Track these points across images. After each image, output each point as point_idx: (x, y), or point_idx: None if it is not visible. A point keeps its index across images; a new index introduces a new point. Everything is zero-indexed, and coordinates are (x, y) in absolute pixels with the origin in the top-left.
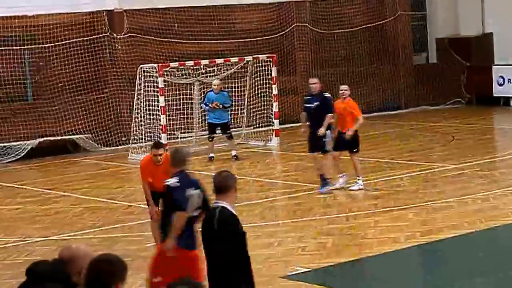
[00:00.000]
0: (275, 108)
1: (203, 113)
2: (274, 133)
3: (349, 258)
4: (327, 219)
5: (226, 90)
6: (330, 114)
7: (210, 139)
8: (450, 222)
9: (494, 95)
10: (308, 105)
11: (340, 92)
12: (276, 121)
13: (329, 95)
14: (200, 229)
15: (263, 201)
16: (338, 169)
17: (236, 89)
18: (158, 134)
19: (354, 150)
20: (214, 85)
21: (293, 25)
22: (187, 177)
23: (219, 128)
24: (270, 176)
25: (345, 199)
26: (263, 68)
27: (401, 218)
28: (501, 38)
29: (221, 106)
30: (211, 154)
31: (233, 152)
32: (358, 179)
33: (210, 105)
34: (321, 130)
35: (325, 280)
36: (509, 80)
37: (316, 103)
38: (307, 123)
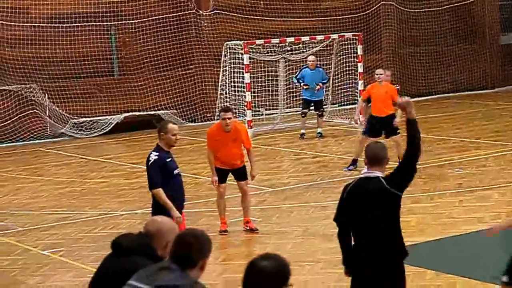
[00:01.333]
0: (361, 86)
1: (288, 90)
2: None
3: (433, 238)
4: (410, 198)
5: (321, 66)
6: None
7: (303, 115)
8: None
9: None
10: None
11: (376, 76)
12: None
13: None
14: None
15: (346, 178)
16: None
17: (322, 67)
18: (243, 111)
19: (398, 132)
20: (310, 61)
21: (379, 3)
22: None
23: (312, 105)
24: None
25: (429, 179)
26: (349, 46)
27: (486, 198)
28: None
29: (320, 86)
30: (303, 131)
31: (318, 130)
32: None
33: (313, 88)
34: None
35: (409, 259)
36: None
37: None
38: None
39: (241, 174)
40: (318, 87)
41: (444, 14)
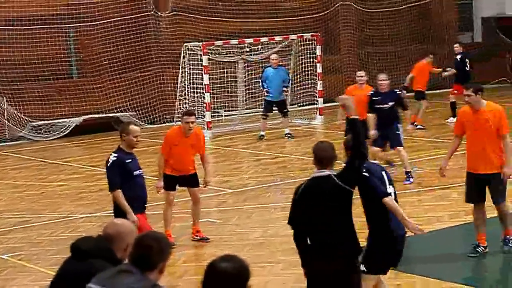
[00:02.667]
0: (319, 87)
1: (247, 91)
2: (318, 111)
3: None
4: None
5: (282, 64)
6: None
7: (264, 117)
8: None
9: None
10: (381, 106)
11: (357, 78)
12: (320, 100)
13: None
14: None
15: (306, 179)
16: None
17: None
18: (202, 112)
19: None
20: (272, 60)
21: (338, 4)
22: None
23: (275, 106)
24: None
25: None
26: (308, 46)
27: (445, 197)
28: None
29: (286, 91)
30: (262, 133)
31: (286, 130)
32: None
33: (279, 93)
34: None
35: None
36: None
37: (391, 103)
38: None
39: (193, 181)
40: (285, 93)
41: (402, 14)
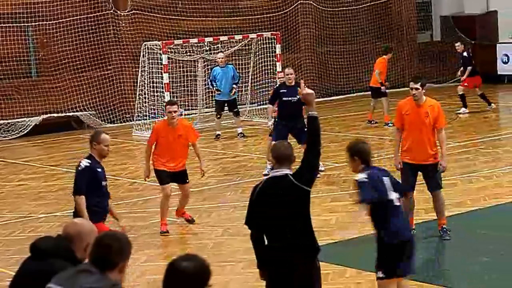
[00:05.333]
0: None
1: (207, 90)
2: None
3: (353, 236)
4: (330, 196)
5: (230, 63)
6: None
7: (218, 117)
8: (454, 199)
9: (499, 73)
10: (288, 98)
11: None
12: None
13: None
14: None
15: (264, 178)
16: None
17: (240, 67)
18: (162, 111)
19: None
20: (219, 59)
21: (297, 2)
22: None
23: (226, 105)
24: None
25: (350, 177)
26: (267, 45)
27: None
28: (505, 16)
29: (235, 88)
30: (218, 132)
31: (239, 130)
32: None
33: (228, 93)
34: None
35: (329, 257)
36: (511, 58)
37: (298, 96)
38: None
39: (183, 177)
40: (234, 90)
41: (362, 13)
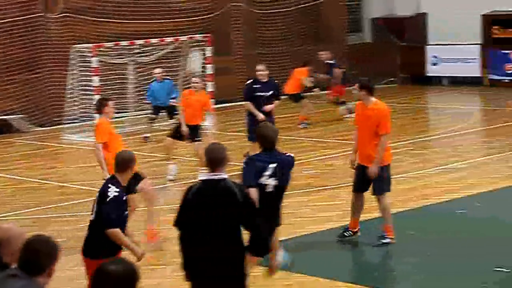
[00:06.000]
0: (210, 88)
1: (138, 93)
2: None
3: (282, 238)
4: None
5: (167, 78)
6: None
7: (150, 121)
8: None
9: (428, 74)
10: (261, 93)
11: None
12: (211, 101)
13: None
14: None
15: (197, 181)
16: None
17: (171, 69)
18: (91, 114)
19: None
20: (156, 74)
21: (228, 5)
22: None
23: (164, 111)
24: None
25: None
26: (199, 48)
27: (334, 197)
28: (435, 18)
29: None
30: (148, 134)
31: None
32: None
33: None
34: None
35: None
36: (442, 60)
37: (271, 92)
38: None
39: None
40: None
41: (293, 15)
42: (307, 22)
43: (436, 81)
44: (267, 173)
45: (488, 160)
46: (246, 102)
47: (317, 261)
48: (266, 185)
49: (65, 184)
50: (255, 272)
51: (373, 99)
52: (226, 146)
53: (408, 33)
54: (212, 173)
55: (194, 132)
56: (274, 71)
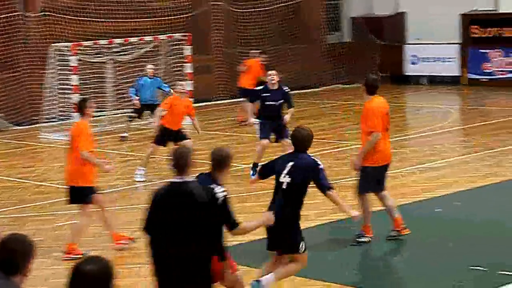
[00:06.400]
0: (189, 87)
1: (116, 92)
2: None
3: (258, 237)
4: (238, 198)
5: (159, 76)
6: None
7: (131, 119)
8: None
9: (407, 73)
10: (272, 103)
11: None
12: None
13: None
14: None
15: (163, 184)
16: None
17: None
18: (70, 113)
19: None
20: (149, 69)
21: (208, 4)
22: None
23: (147, 108)
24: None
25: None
26: (178, 47)
27: (312, 196)
28: (414, 17)
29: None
30: (126, 134)
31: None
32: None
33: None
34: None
35: (235, 258)
36: (421, 59)
37: (280, 101)
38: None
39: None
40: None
41: (272, 14)
42: (286, 21)
43: (415, 80)
44: (285, 171)
45: (465, 159)
46: (250, 103)
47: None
48: (282, 182)
49: (43, 183)
50: None
51: (370, 97)
52: (192, 150)
53: (387, 32)
54: (177, 177)
55: (178, 135)
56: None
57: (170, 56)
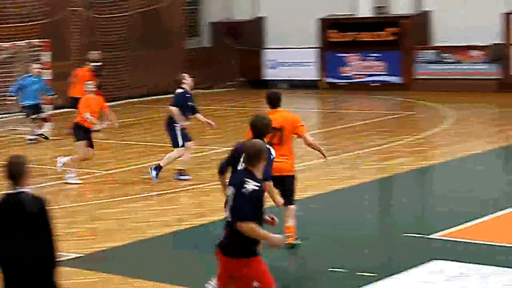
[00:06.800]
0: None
1: None
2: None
3: (120, 243)
4: (98, 204)
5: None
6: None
7: (35, 120)
8: (222, 204)
9: (265, 78)
10: (192, 103)
11: (90, 87)
12: (48, 107)
13: None
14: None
15: (34, 187)
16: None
17: (9, 75)
18: None
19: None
20: (35, 69)
21: (66, 10)
22: None
23: (27, 110)
24: (43, 162)
25: (118, 184)
26: (37, 53)
27: (173, 201)
28: (273, 22)
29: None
30: (32, 136)
31: (39, 131)
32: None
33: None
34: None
35: (97, 265)
36: (280, 63)
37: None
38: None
39: None
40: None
41: (132, 20)
42: (147, 27)
43: (274, 84)
44: (242, 159)
45: (324, 162)
46: (174, 108)
47: (158, 266)
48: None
49: None
50: (92, 279)
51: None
52: (26, 159)
53: (246, 37)
54: (12, 187)
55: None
56: (111, 76)
57: (28, 62)
